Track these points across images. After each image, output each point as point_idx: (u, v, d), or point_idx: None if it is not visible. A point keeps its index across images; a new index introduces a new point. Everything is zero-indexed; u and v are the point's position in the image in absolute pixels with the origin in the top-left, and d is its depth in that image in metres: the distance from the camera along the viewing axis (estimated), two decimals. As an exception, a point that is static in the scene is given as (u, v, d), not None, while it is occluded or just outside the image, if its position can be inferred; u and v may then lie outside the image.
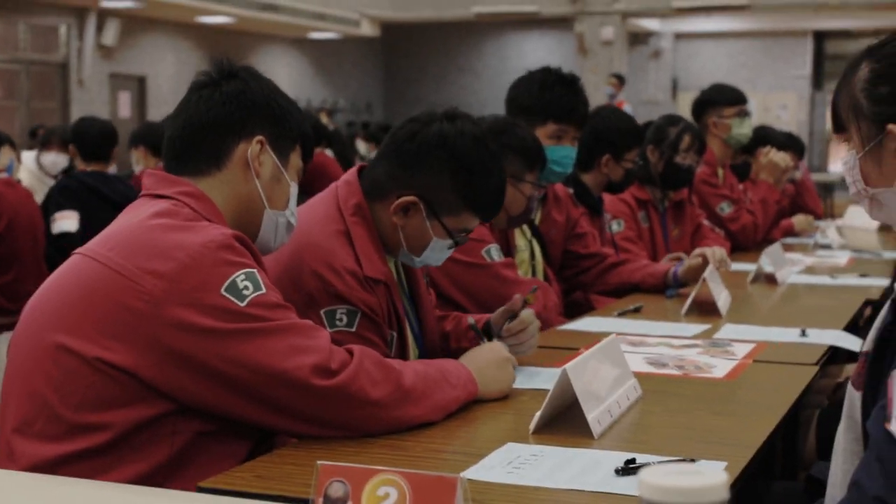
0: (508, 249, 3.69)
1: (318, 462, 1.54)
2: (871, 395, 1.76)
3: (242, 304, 1.89)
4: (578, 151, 4.28)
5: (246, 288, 1.90)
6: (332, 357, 1.96)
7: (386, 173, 2.45)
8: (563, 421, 2.09)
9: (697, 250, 3.91)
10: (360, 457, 1.89)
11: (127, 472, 1.88)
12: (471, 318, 2.69)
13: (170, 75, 18.05)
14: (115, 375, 1.88)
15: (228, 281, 1.89)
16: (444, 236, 2.44)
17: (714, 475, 1.06)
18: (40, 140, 7.37)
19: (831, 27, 21.71)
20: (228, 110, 2.11)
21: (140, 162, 6.58)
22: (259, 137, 2.10)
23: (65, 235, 5.29)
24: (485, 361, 2.30)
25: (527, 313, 2.60)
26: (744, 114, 5.46)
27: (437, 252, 2.48)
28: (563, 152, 3.70)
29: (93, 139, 5.50)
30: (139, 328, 1.86)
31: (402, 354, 2.47)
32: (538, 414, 2.05)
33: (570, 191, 4.14)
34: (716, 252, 3.81)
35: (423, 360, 2.25)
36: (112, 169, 5.99)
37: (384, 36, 22.19)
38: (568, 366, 2.03)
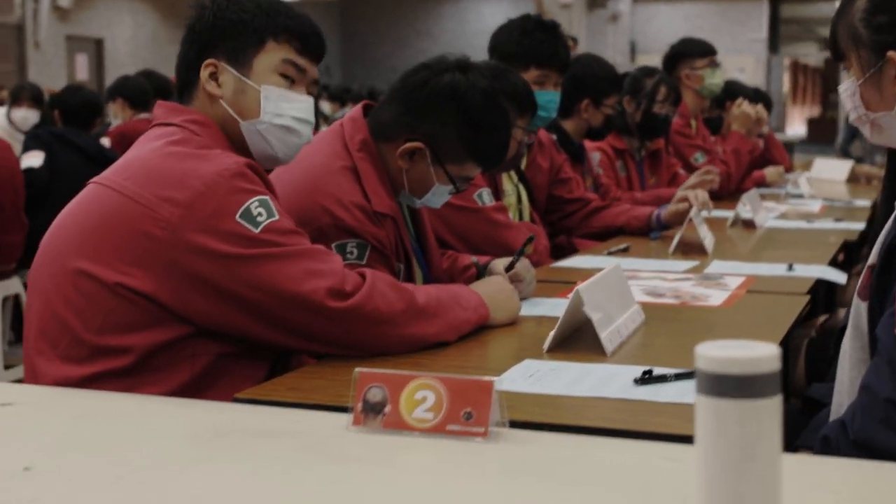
0: (497, 193, 3.75)
1: (357, 369, 1.60)
2: (879, 305, 1.84)
3: (257, 231, 1.94)
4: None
5: (260, 214, 1.95)
6: (345, 280, 2.00)
7: (394, 117, 2.49)
8: (575, 341, 2.15)
9: (680, 192, 3.99)
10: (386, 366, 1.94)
11: (149, 392, 1.93)
12: (473, 258, 2.74)
13: (127, 38, 17.88)
14: (135, 300, 1.92)
15: (243, 208, 1.94)
16: (447, 182, 2.49)
17: (766, 348, 1.12)
18: (10, 96, 7.32)
19: (787, -9, 21.90)
20: (186, 48, 2.17)
21: (118, 115, 6.59)
22: (208, 61, 2.13)
23: (29, 171, 5.41)
24: (494, 290, 2.36)
25: (522, 264, 2.65)
26: (714, 64, 5.55)
27: (438, 196, 2.54)
28: (546, 97, 3.76)
29: (75, 107, 5.59)
30: (158, 254, 1.91)
31: (410, 286, 2.53)
32: (552, 333, 2.11)
33: (554, 137, 4.20)
34: (699, 195, 3.89)
35: (435, 284, 2.30)
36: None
37: (342, -2, 22.10)
38: (581, 287, 2.09)
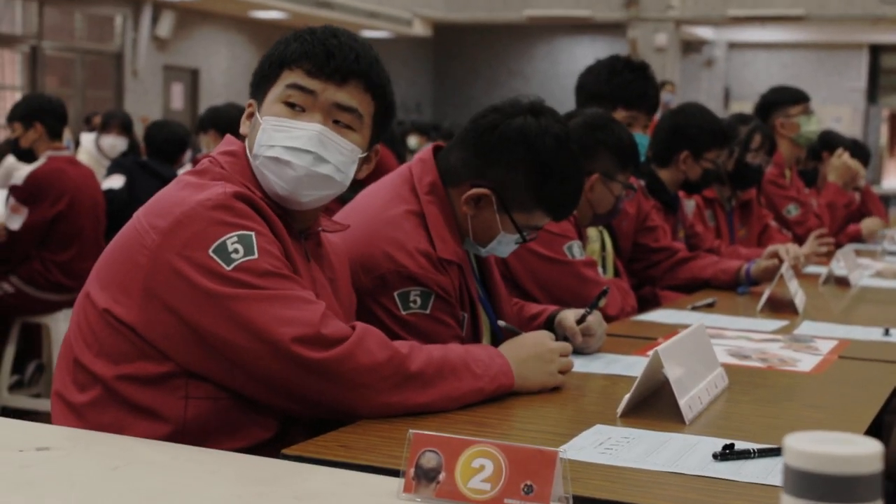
0: (581, 240, 3.62)
1: (411, 431, 1.48)
2: None
3: (228, 268, 1.82)
4: (655, 145, 4.21)
5: (236, 251, 1.83)
6: (324, 330, 1.83)
7: (462, 160, 2.38)
8: (651, 406, 2.01)
9: (770, 248, 3.82)
10: (441, 431, 1.82)
11: (139, 430, 1.84)
12: (501, 323, 2.56)
13: (223, 69, 18.10)
14: (120, 329, 1.87)
15: (218, 242, 1.83)
16: (513, 231, 2.37)
17: (867, 444, 0.98)
18: (100, 123, 7.38)
19: (888, 41, 21.43)
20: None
21: (210, 146, 6.58)
22: (249, 101, 2.06)
23: (110, 192, 5.53)
24: (527, 354, 2.13)
25: (595, 318, 2.52)
26: (809, 111, 5.36)
27: (504, 245, 2.41)
28: (638, 140, 3.62)
29: (161, 142, 5.76)
30: (139, 280, 1.85)
31: (475, 336, 2.40)
32: (626, 396, 1.98)
33: (642, 183, 4.05)
34: (790, 249, 3.72)
35: (453, 345, 2.10)
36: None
37: (436, 36, 22.13)
38: (660, 348, 1.95)
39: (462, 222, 2.38)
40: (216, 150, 2.05)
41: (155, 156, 5.73)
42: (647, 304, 4.07)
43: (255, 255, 1.84)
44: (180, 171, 6.13)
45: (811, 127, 5.36)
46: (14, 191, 5.12)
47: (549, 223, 2.98)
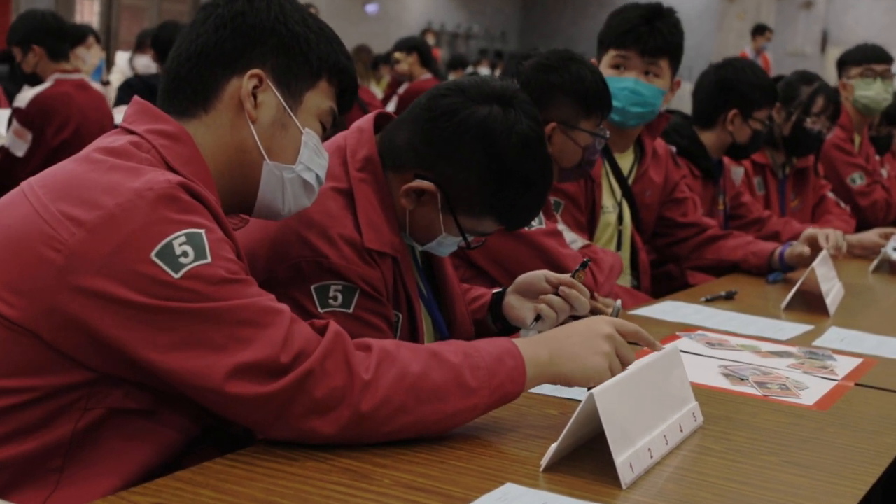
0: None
1: None
2: None
3: (176, 276, 1.46)
4: (700, 104, 3.79)
5: (184, 254, 1.47)
6: (282, 356, 1.50)
7: (408, 143, 1.97)
8: (589, 455, 1.62)
9: (808, 231, 3.36)
10: (309, 484, 1.46)
11: (11, 451, 1.50)
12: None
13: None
14: (10, 332, 1.49)
15: (163, 243, 1.47)
16: (456, 234, 1.98)
17: None
18: (135, 41, 7.05)
19: None
20: (220, 37, 1.67)
21: (149, 68, 6.19)
22: (255, 71, 1.66)
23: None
24: (570, 339, 1.72)
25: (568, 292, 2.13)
26: (871, 74, 4.81)
27: (444, 246, 2.03)
28: (619, 84, 3.16)
29: (171, 44, 5.15)
30: (44, 279, 1.47)
31: (413, 341, 2.02)
32: (554, 446, 1.58)
33: (673, 149, 3.61)
34: (830, 236, 3.26)
35: (452, 345, 1.70)
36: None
37: (525, -38, 21.51)
38: (597, 390, 1.55)
39: (399, 214, 1.99)
40: (138, 123, 1.64)
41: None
42: (672, 283, 3.66)
43: (208, 259, 1.49)
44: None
45: (869, 92, 4.81)
46: (17, 113, 4.81)
47: None
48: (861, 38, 5.16)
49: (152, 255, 1.46)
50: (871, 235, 4.02)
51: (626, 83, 3.16)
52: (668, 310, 2.79)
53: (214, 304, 1.48)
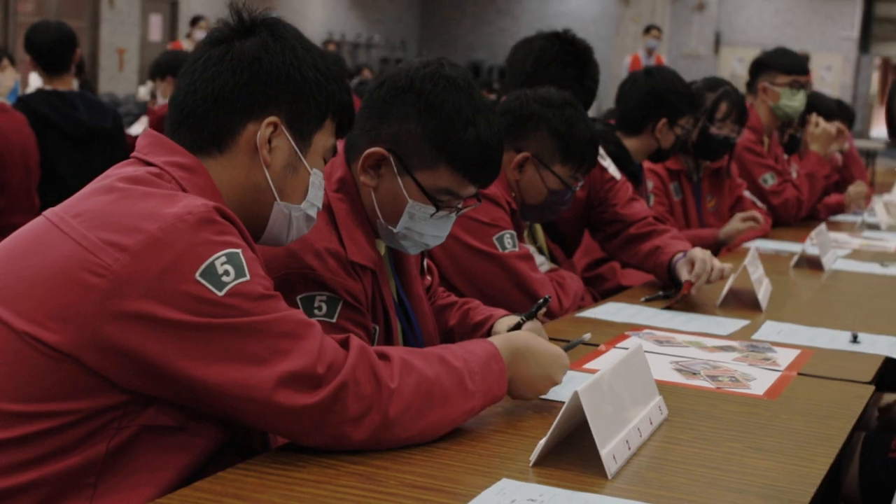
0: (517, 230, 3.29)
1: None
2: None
3: (220, 294, 1.55)
4: (627, 112, 3.88)
5: (226, 273, 1.56)
6: (318, 367, 1.60)
7: (358, 128, 2.10)
8: (573, 449, 1.74)
9: (691, 253, 3.12)
10: (321, 488, 1.55)
11: (46, 472, 1.56)
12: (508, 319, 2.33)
13: (203, 0, 17.61)
14: (49, 358, 1.54)
15: (206, 263, 1.55)
16: (422, 198, 2.06)
17: None
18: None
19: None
20: (237, 81, 1.73)
21: (166, 95, 6.13)
22: (272, 119, 1.74)
23: None
24: (538, 367, 1.90)
25: (532, 326, 2.25)
26: (797, 86, 4.98)
27: (419, 222, 2.09)
28: None
29: (48, 47, 4.92)
30: (86, 307, 1.52)
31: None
32: (542, 442, 1.70)
33: (602, 153, 3.73)
34: (707, 262, 3.02)
35: (451, 349, 1.80)
36: (75, 83, 5.34)
37: (423, -28, 21.67)
38: (581, 388, 1.67)
39: (371, 216, 2.10)
40: (153, 155, 1.70)
41: (48, 69, 4.91)
42: (607, 281, 3.80)
43: (247, 276, 1.57)
44: (142, 122, 5.68)
45: (793, 103, 4.98)
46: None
47: (479, 211, 2.69)
48: (752, 38, 5.34)
49: (197, 275, 1.54)
50: (734, 223, 4.28)
51: None
52: (612, 311, 2.92)
53: (256, 318, 1.57)
